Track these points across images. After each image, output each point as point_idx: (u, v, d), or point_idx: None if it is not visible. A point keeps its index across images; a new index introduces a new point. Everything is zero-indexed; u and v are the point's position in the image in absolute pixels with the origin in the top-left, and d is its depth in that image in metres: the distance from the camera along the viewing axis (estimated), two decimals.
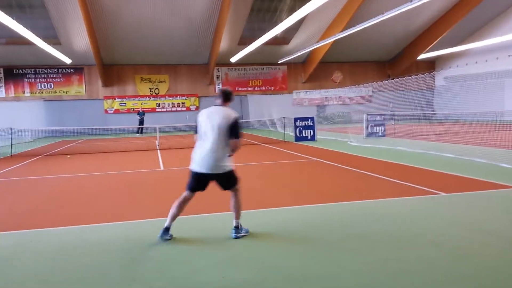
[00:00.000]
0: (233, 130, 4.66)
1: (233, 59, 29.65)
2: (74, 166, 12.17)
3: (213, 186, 4.93)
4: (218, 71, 33.07)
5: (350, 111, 33.02)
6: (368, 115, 18.97)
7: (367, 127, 18.76)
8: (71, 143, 22.16)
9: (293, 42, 30.23)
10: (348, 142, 16.75)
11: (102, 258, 4.36)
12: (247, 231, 5.00)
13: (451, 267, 3.83)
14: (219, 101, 4.89)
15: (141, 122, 28.84)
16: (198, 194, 4.99)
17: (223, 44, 28.29)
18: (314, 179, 8.83)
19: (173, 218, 4.85)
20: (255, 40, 23.66)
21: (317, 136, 18.66)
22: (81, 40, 26.18)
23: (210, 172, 4.71)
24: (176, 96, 32.79)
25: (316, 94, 34.41)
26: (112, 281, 3.76)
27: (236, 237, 4.83)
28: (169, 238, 4.81)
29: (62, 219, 6.10)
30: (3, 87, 29.89)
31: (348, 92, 34.25)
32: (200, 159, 4.74)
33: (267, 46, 27.58)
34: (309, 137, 18.42)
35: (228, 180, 4.87)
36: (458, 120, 28.42)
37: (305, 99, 34.60)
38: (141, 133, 29.25)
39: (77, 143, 22.25)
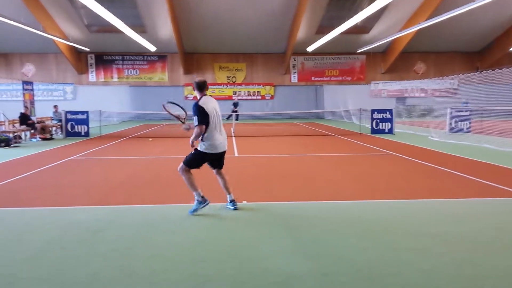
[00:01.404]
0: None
1: (310, 48, 29.33)
2: (155, 149, 12.85)
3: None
4: (294, 60, 32.93)
5: (432, 104, 31.34)
6: (452, 109, 17.89)
7: (450, 121, 17.71)
8: (153, 127, 23.39)
9: (374, 31, 29.22)
10: (429, 137, 15.95)
11: (176, 237, 4.59)
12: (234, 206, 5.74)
13: None
14: (203, 91, 5.55)
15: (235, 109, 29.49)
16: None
17: (301, 33, 28.08)
18: (389, 174, 8.54)
19: (229, 191, 5.80)
20: (334, 29, 23.17)
21: (395, 130, 17.98)
22: (165, 28, 27.37)
23: (225, 149, 5.67)
24: (252, 85, 33.22)
25: (396, 86, 33.03)
26: (184, 260, 3.95)
27: (236, 209, 5.64)
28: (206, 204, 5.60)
29: (144, 198, 6.50)
30: (94, 72, 32.19)
31: (431, 84, 32.51)
32: (223, 140, 5.59)
33: (345, 35, 26.91)
34: (386, 130, 17.81)
35: (223, 159, 5.76)
36: None
37: (383, 91, 33.40)
38: (229, 119, 29.90)
39: (159, 127, 23.43)
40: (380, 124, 17.89)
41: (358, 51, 30.53)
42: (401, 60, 32.19)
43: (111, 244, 4.40)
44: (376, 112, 18.01)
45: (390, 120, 17.90)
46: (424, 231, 4.78)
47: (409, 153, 11.53)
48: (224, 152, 5.67)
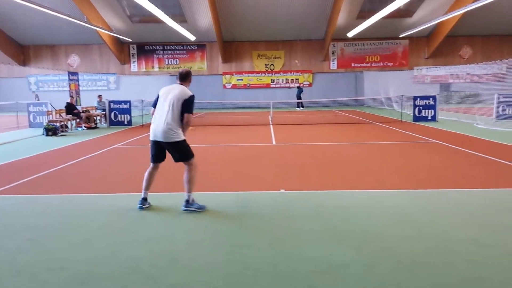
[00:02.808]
0: (187, 106, 5.10)
1: (350, 34, 28.69)
2: (196, 138, 13.05)
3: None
4: (334, 46, 32.37)
5: (478, 90, 30.05)
6: (500, 95, 17.09)
7: (497, 108, 16.94)
8: (193, 116, 23.68)
9: (417, 15, 28.22)
10: (474, 124, 15.34)
11: (216, 224, 4.67)
12: (200, 207, 5.16)
13: None
14: (178, 81, 5.37)
15: (299, 97, 29.65)
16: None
17: (341, 18, 27.52)
18: (433, 163, 8.30)
19: (146, 188, 5.35)
20: (375, 13, 22.52)
21: (439, 117, 17.40)
22: (204, 17, 27.55)
23: (161, 140, 5.09)
24: (290, 72, 32.98)
25: (440, 71, 31.85)
26: (223, 246, 4.02)
27: (185, 210, 5.11)
28: (147, 206, 5.29)
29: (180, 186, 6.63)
30: (136, 62, 32.94)
31: (477, 69, 31.13)
32: (155, 127, 5.12)
33: (387, 20, 26.14)
34: (429, 117, 17.26)
35: (178, 151, 5.18)
36: None
37: (427, 76, 32.31)
38: (302, 107, 30.05)
39: (199, 116, 23.75)
40: (423, 111, 17.36)
41: (400, 36, 29.57)
42: (446, 45, 30.97)
43: (153, 230, 4.53)
44: (418, 99, 17.49)
45: (433, 107, 17.33)
46: (470, 221, 4.63)
47: (453, 141, 11.15)
48: (165, 143, 5.13)
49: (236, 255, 3.81)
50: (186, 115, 5.08)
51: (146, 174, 5.39)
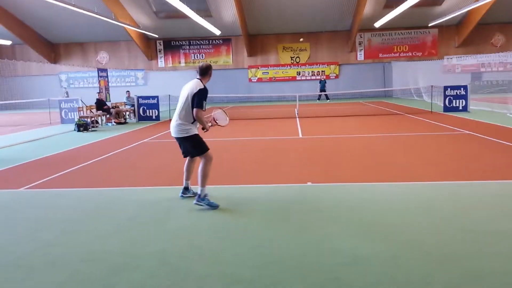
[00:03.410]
0: (195, 100, 4.95)
1: (377, 24, 28.16)
2: (221, 131, 13.11)
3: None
4: (361, 37, 31.86)
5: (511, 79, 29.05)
6: None
7: None
8: (219, 110, 23.81)
9: (447, 2, 27.42)
10: (508, 114, 14.86)
11: (243, 217, 4.71)
12: (210, 204, 5.04)
13: None
14: (198, 76, 5.22)
15: (323, 89, 29.55)
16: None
17: (367, 8, 27.03)
18: (464, 154, 8.10)
19: (187, 178, 5.52)
20: (404, 2, 22.04)
21: (470, 107, 16.92)
22: (229, 11, 27.57)
23: (174, 135, 5.20)
24: (316, 65, 32.68)
25: (472, 60, 30.88)
26: (248, 239, 4.05)
27: (196, 204, 5.06)
28: (189, 195, 5.49)
29: (211, 178, 6.69)
30: (163, 57, 33.32)
31: (510, 57, 30.04)
32: (171, 123, 5.24)
33: (416, 8, 25.50)
34: (460, 108, 16.82)
35: (189, 146, 5.21)
36: None
37: (457, 66, 31.41)
38: (328, 98, 29.89)
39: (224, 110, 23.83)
40: (454, 101, 16.92)
41: (429, 25, 28.83)
42: (477, 33, 29.99)
43: (181, 222, 4.61)
44: (449, 89, 17.05)
45: (464, 97, 16.87)
46: (503, 213, 4.51)
47: (485, 131, 10.83)
48: (178, 139, 5.25)
49: (263, 247, 3.83)
50: (194, 110, 4.97)
51: (185, 165, 5.56)
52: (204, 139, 5.25)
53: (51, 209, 5.26)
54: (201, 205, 5.05)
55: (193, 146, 5.20)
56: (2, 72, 29.68)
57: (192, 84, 5.11)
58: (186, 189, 5.54)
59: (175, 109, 5.42)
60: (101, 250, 3.87)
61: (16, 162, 8.68)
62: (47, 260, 3.70)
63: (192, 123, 5.11)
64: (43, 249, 3.95)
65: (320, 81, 30.54)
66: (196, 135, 5.18)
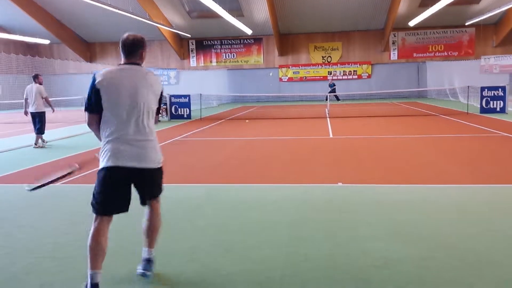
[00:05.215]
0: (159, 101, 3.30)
1: (412, 23, 27.54)
2: (252, 130, 13.18)
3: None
4: (394, 36, 31.25)
5: None
6: None
7: None
8: (249, 109, 23.97)
9: (485, 1, 26.53)
10: None
11: (273, 216, 4.70)
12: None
13: None
14: (127, 57, 3.30)
15: (333, 91, 29.25)
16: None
17: (402, 6, 26.49)
18: (500, 157, 7.82)
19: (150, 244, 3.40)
20: (439, 0, 21.49)
21: (508, 108, 16.34)
22: (261, 11, 27.61)
23: (148, 165, 3.10)
24: (348, 64, 32.29)
25: (511, 60, 29.79)
26: (280, 238, 4.04)
27: (144, 274, 3.27)
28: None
29: (240, 177, 6.74)
30: (195, 57, 33.71)
31: None
32: (126, 148, 3.03)
33: (452, 7, 24.78)
34: (498, 109, 16.26)
35: (160, 182, 3.39)
36: None
37: (495, 66, 30.35)
38: (338, 99, 29.61)
39: (255, 109, 23.94)
40: (491, 102, 16.37)
41: (466, 24, 27.97)
42: None
43: (209, 220, 4.65)
44: (486, 90, 16.51)
45: (502, 98, 16.29)
46: None
47: None
48: (147, 172, 3.09)
49: (293, 247, 3.82)
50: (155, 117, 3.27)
51: (144, 225, 3.43)
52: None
53: (86, 203, 5.40)
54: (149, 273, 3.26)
55: (161, 181, 3.34)
56: (41, 70, 30.76)
57: (148, 76, 3.22)
58: (149, 261, 3.33)
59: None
60: (132, 245, 3.94)
61: (51, 158, 8.98)
62: (80, 253, 3.80)
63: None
64: (77, 242, 4.07)
65: (330, 85, 29.81)
66: None
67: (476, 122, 13.29)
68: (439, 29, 30.58)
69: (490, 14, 24.01)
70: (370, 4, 26.99)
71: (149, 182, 3.18)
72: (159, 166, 3.18)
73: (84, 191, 6.13)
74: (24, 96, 10.87)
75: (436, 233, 4.05)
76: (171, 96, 18.23)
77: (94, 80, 2.97)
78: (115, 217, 3.14)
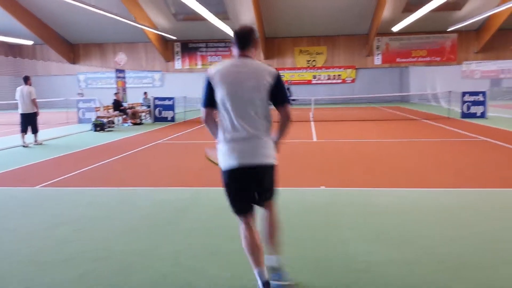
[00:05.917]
0: (277, 92, 3.07)
1: (396, 28, 27.92)
2: None
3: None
4: (379, 41, 31.62)
5: None
6: None
7: None
8: None
9: (467, 7, 27.07)
10: None
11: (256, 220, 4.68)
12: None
13: None
14: (242, 50, 2.99)
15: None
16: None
17: (386, 12, 26.84)
18: (480, 161, 7.96)
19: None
20: (423, 6, 21.81)
21: (488, 114, 16.65)
22: (247, 15, 27.65)
23: (256, 162, 3.06)
24: (333, 68, 32.54)
25: (491, 66, 30.40)
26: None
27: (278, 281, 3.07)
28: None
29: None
30: (180, 59, 33.57)
31: None
32: (236, 144, 2.99)
33: (435, 13, 25.23)
34: (478, 114, 16.55)
35: (272, 181, 3.28)
36: None
37: (476, 71, 30.95)
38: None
39: None
40: (472, 107, 16.67)
41: (449, 30, 28.48)
42: (498, 38, 29.49)
43: (194, 223, 4.62)
44: (467, 95, 16.79)
45: (483, 103, 16.60)
46: None
47: (503, 138, 10.63)
48: (255, 170, 2.97)
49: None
50: (286, 107, 3.10)
51: (247, 233, 3.15)
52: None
53: (66, 207, 5.33)
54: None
55: (274, 181, 3.18)
56: (23, 71, 30.26)
57: (257, 66, 2.92)
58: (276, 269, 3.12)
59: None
60: (115, 249, 3.90)
61: (33, 160, 8.83)
62: (60, 258, 3.74)
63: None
64: (57, 246, 4.00)
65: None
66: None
67: (457, 127, 13.50)
68: (422, 34, 31.06)
69: (472, 20, 24.49)
70: (355, 9, 27.26)
71: (264, 180, 3.11)
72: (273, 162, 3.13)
73: (61, 194, 6.04)
74: (17, 98, 11.28)
75: (419, 236, 4.09)
76: (155, 98, 18.11)
77: (208, 74, 3.00)
78: None
